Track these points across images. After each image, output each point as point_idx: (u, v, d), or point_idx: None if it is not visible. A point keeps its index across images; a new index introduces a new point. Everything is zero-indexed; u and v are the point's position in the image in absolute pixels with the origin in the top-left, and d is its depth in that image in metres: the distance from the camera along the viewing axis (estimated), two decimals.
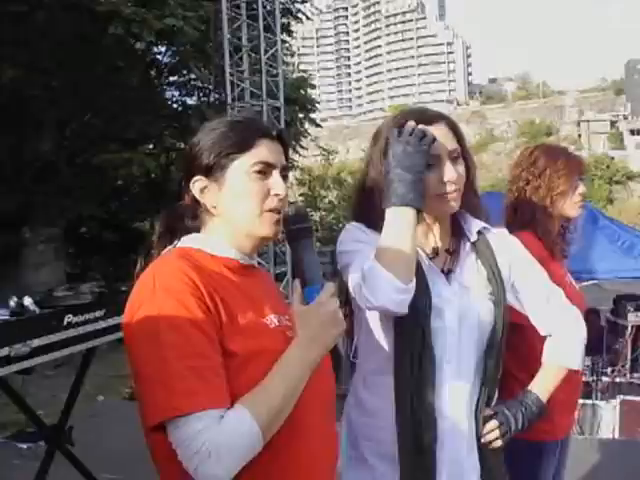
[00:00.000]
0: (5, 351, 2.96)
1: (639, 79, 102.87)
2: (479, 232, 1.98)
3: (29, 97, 12.87)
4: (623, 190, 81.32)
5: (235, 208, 1.50)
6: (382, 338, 1.88)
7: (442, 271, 1.93)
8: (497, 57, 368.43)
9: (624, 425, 7.96)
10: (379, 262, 1.71)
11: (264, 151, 1.51)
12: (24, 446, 5.66)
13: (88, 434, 4.22)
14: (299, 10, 19.55)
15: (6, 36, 11.95)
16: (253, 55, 13.85)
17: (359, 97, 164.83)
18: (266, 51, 13.63)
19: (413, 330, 1.80)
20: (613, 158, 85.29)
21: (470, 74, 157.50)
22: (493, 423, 1.93)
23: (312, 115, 22.02)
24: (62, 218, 14.94)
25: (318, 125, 23.98)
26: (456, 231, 2.00)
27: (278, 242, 12.54)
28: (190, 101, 18.57)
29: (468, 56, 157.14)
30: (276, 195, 1.51)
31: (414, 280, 1.73)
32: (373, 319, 1.90)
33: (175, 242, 1.55)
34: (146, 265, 1.46)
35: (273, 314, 1.50)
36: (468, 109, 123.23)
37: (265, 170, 1.51)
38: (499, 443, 1.94)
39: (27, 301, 3.41)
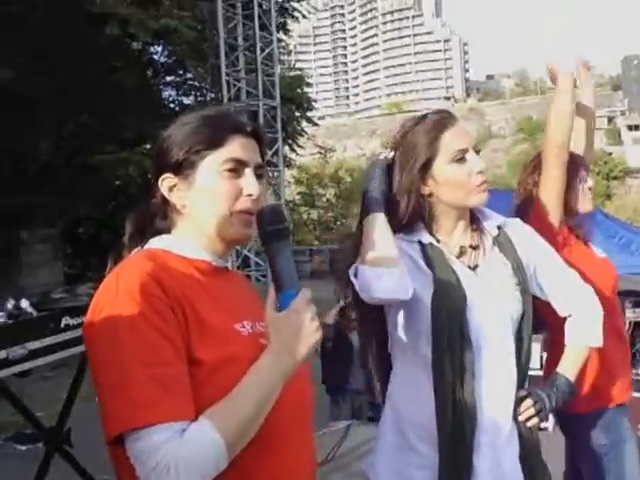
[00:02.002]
0: (3, 354, 2.98)
1: (636, 75, 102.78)
2: (498, 226, 2.05)
3: (27, 98, 12.87)
4: (621, 186, 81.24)
5: (204, 208, 1.41)
6: (417, 333, 1.94)
7: (469, 267, 1.99)
8: (494, 54, 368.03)
9: None
10: (366, 262, 1.87)
11: (236, 148, 1.41)
12: (23, 448, 5.67)
13: (86, 436, 4.20)
14: (295, 9, 19.59)
15: (3, 37, 11.96)
16: (249, 54, 13.86)
17: (356, 95, 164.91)
18: (262, 50, 13.64)
19: (451, 325, 1.87)
20: (611, 154, 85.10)
21: (467, 71, 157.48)
22: (528, 401, 1.99)
23: (309, 113, 22.08)
24: (60, 219, 14.94)
25: (315, 123, 24.02)
26: (475, 226, 2.05)
27: None
28: (187, 101, 18.63)
29: (465, 53, 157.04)
30: (249, 195, 1.40)
31: (399, 267, 1.86)
32: (405, 314, 1.97)
33: (143, 243, 1.45)
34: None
35: (246, 320, 1.39)
36: (465, 106, 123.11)
37: (237, 168, 1.41)
38: (535, 420, 2.00)
39: (24, 303, 3.43)
